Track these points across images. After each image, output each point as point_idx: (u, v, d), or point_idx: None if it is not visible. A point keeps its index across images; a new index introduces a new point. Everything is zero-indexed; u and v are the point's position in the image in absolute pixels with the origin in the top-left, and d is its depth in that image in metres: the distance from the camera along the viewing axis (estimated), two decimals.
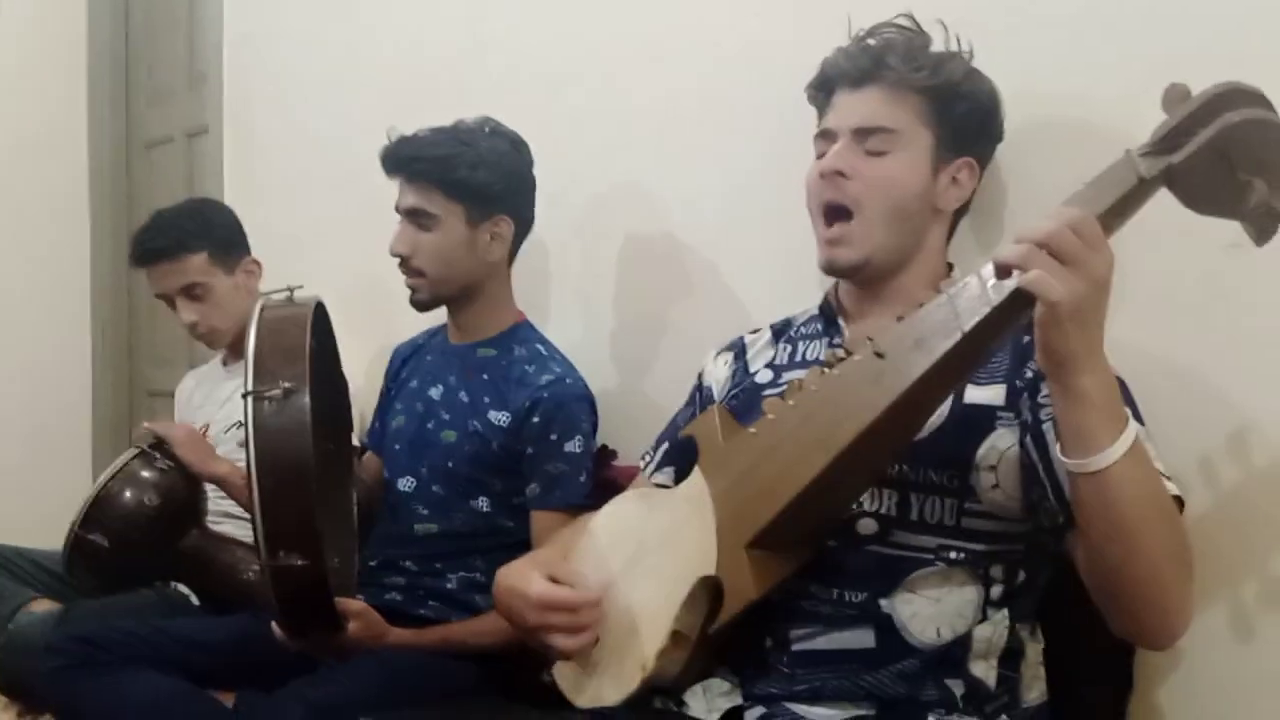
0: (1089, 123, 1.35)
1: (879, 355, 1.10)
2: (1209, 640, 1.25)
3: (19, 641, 1.91)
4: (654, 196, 1.95)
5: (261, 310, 1.55)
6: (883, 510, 1.22)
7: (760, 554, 1.16)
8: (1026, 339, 1.19)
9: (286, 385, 1.43)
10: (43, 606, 2.10)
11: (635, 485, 1.52)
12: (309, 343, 1.50)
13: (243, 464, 1.45)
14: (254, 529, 1.41)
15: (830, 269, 1.35)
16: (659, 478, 1.48)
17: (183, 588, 2.11)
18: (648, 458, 1.53)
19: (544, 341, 1.89)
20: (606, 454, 1.87)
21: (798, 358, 1.40)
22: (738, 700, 1.25)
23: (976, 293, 1.02)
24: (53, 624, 1.90)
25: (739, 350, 1.48)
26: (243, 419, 1.43)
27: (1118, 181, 0.98)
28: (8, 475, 3.45)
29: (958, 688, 1.20)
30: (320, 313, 1.67)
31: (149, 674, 1.65)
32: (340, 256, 2.52)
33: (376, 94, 2.49)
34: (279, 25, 2.86)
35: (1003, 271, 0.99)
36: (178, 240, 2.24)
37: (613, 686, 1.26)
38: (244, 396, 1.44)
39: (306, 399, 1.43)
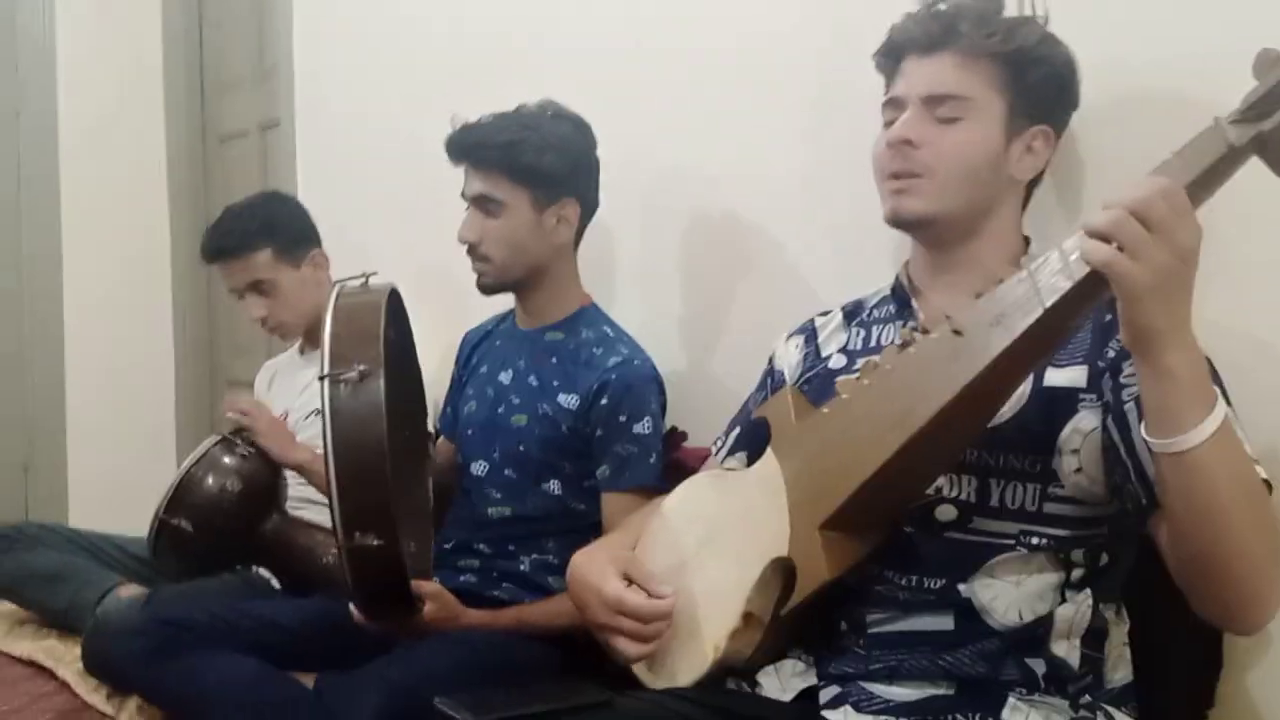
0: (1173, 92, 1.31)
1: (957, 333, 1.08)
2: None
3: (107, 625, 1.94)
4: (717, 176, 1.94)
5: (338, 296, 1.57)
6: (962, 496, 1.20)
7: (834, 535, 1.16)
8: (1109, 317, 1.17)
9: (362, 368, 1.45)
10: (129, 591, 2.14)
11: (706, 469, 1.52)
12: (383, 327, 1.51)
13: (321, 449, 1.47)
14: (330, 510, 1.43)
15: (896, 218, 1.31)
16: (731, 462, 1.48)
17: (264, 571, 2.14)
18: (719, 442, 1.52)
19: (611, 324, 1.89)
20: (676, 436, 1.87)
21: (872, 343, 1.37)
22: (812, 680, 1.24)
23: (1057, 267, 1.00)
24: (139, 607, 1.94)
25: (810, 333, 1.46)
26: (320, 403, 1.45)
27: (1206, 150, 0.95)
28: (96, 464, 3.55)
29: (1039, 667, 1.18)
30: (395, 300, 1.68)
31: (231, 656, 1.67)
32: (410, 245, 2.55)
33: (442, 80, 2.50)
34: (347, 15, 2.89)
35: (1095, 234, 0.96)
36: (241, 238, 2.27)
37: (685, 667, 1.26)
38: (320, 380, 1.46)
39: (381, 381, 1.45)
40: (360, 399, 1.44)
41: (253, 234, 2.28)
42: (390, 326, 1.63)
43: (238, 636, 1.71)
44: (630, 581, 1.30)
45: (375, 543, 1.42)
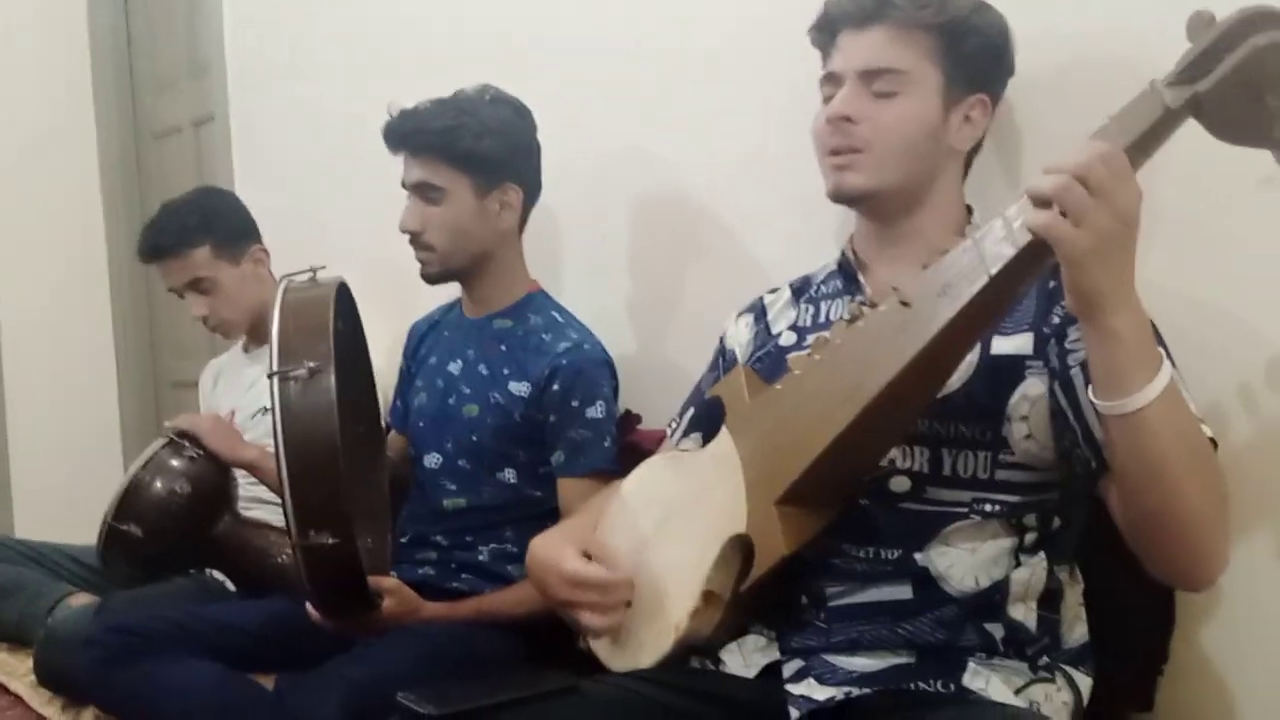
0: (1109, 58, 1.32)
1: (905, 304, 1.09)
2: (1250, 576, 1.24)
3: (58, 636, 1.92)
4: (663, 158, 1.93)
5: (285, 291, 1.55)
6: (915, 467, 1.21)
7: (790, 510, 1.16)
8: (1053, 284, 1.18)
9: (311, 365, 1.43)
10: (80, 600, 2.11)
11: (663, 451, 1.51)
12: (333, 322, 1.49)
13: (271, 447, 1.45)
14: (284, 509, 1.42)
15: (838, 194, 1.31)
16: (686, 444, 1.47)
17: (218, 574, 2.12)
18: (673, 424, 1.52)
19: (560, 309, 1.88)
20: (631, 419, 1.86)
21: (821, 318, 1.38)
22: (775, 655, 1.25)
23: (1001, 235, 1.01)
24: (90, 617, 1.91)
25: (759, 311, 1.46)
26: (269, 401, 1.43)
27: (1143, 114, 0.96)
28: (39, 473, 3.48)
29: (997, 631, 1.19)
30: (344, 293, 1.66)
31: (188, 661, 1.65)
32: (353, 237, 2.52)
33: (380, 70, 2.48)
34: (278, 8, 2.84)
35: (1038, 203, 0.96)
36: (179, 236, 2.24)
37: (648, 648, 1.26)
38: (269, 377, 1.44)
39: (332, 378, 1.43)
40: (310, 396, 1.43)
41: (190, 231, 2.24)
42: (339, 320, 1.62)
43: (193, 641, 1.69)
44: (589, 558, 1.30)
45: (330, 541, 1.40)
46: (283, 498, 1.41)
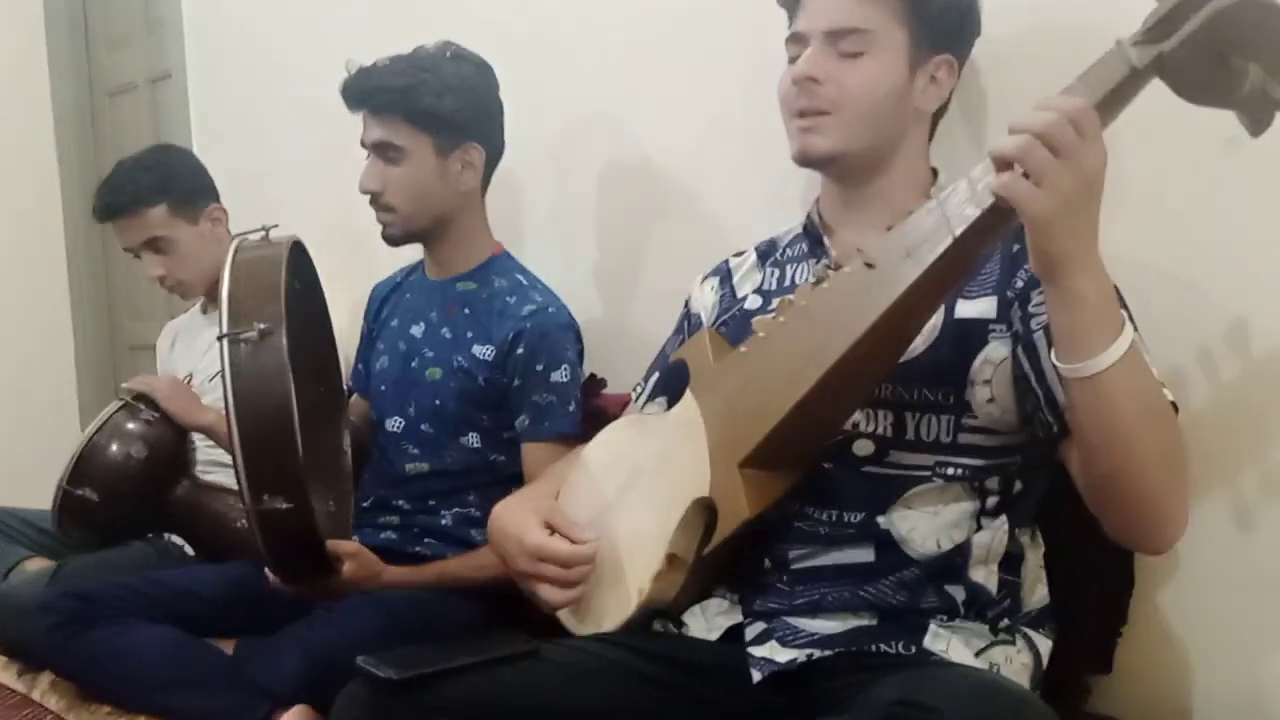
0: (1075, 19, 1.31)
1: (869, 266, 1.08)
2: (1208, 539, 1.25)
3: (13, 601, 1.89)
4: (628, 119, 1.91)
5: (236, 250, 1.51)
6: (878, 431, 1.21)
7: (754, 473, 1.15)
8: (1017, 247, 1.18)
9: (262, 326, 1.41)
10: (36, 565, 2.09)
11: (627, 415, 1.51)
12: (284, 281, 1.46)
13: None
14: (236, 474, 1.40)
15: (803, 157, 1.31)
16: (651, 408, 1.47)
17: (176, 539, 2.10)
18: (638, 389, 1.52)
19: (524, 271, 1.86)
20: (595, 383, 1.85)
21: (786, 282, 1.37)
22: (737, 618, 1.25)
23: (965, 196, 1.00)
24: (45, 582, 1.88)
25: (724, 275, 1.45)
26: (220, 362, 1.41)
27: (1109, 73, 0.95)
28: None
29: (958, 594, 1.19)
30: (299, 252, 1.63)
31: (145, 626, 1.63)
32: (313, 197, 2.48)
33: (340, 27, 2.43)
34: None
35: (1001, 164, 0.96)
36: (134, 194, 2.20)
37: (611, 612, 1.26)
38: (219, 340, 1.41)
39: (284, 339, 1.41)
40: (262, 358, 1.40)
41: (146, 189, 2.20)
42: (295, 279, 1.59)
43: (151, 606, 1.68)
44: (552, 530, 1.30)
45: (284, 505, 1.39)
46: (235, 462, 1.39)
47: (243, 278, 1.47)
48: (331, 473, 1.80)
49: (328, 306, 1.84)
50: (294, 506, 1.39)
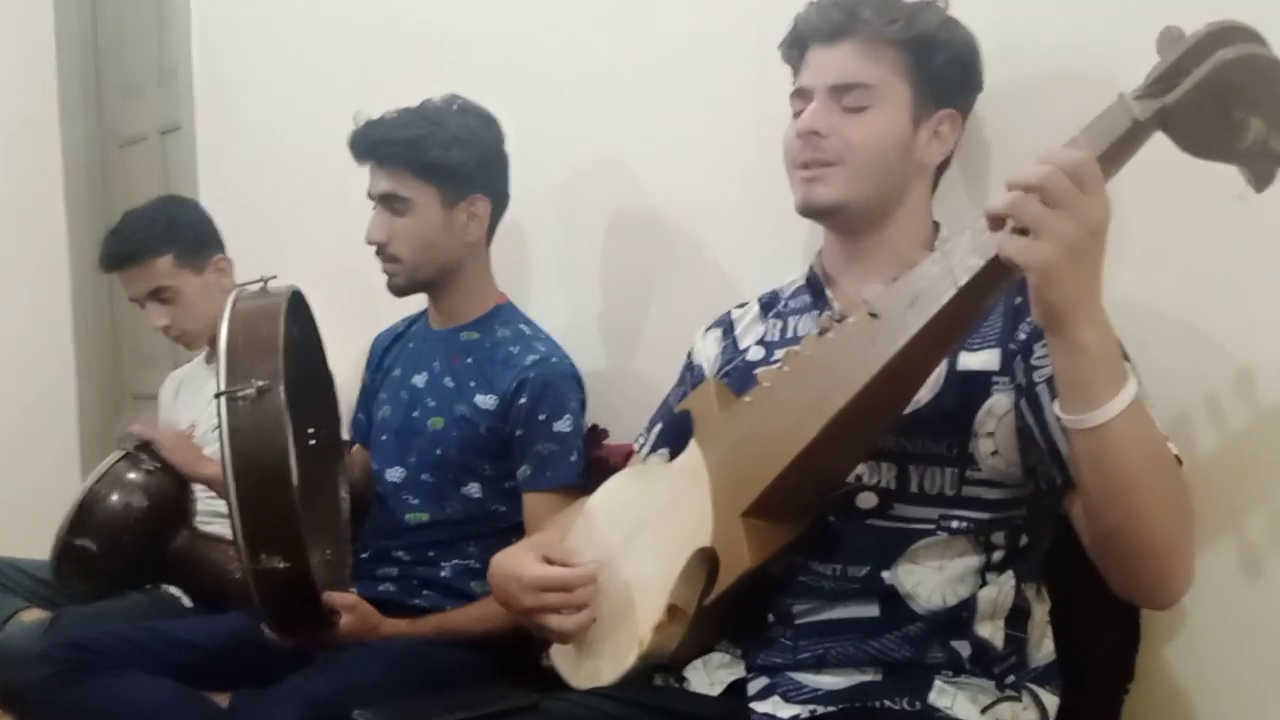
0: (1077, 74, 1.32)
1: (874, 316, 1.08)
2: (1214, 591, 1.23)
3: (10, 652, 1.88)
4: (633, 170, 1.92)
5: (234, 303, 1.52)
6: (882, 483, 1.20)
7: (757, 523, 1.15)
8: (1019, 300, 1.18)
9: (260, 384, 1.41)
10: (33, 616, 2.07)
11: (630, 467, 1.50)
12: (283, 335, 1.47)
13: None
14: (234, 533, 1.39)
15: (807, 207, 1.31)
16: (653, 460, 1.46)
17: (174, 589, 2.09)
18: (641, 440, 1.51)
19: (527, 321, 1.86)
20: (598, 433, 1.85)
21: (789, 334, 1.37)
22: (740, 673, 1.23)
23: (970, 246, 1.00)
24: (42, 633, 1.87)
25: (727, 326, 1.46)
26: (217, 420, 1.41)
27: (1112, 126, 0.96)
28: None
29: (964, 649, 1.18)
30: (297, 301, 1.64)
31: (141, 677, 1.62)
32: (320, 247, 2.49)
33: (349, 79, 2.46)
34: (247, 16, 2.82)
35: (993, 222, 0.96)
36: (142, 244, 2.22)
37: (609, 664, 1.25)
38: (217, 398, 1.41)
39: (282, 396, 1.41)
40: (259, 416, 1.40)
41: (153, 240, 2.22)
42: (293, 327, 1.59)
43: (147, 658, 1.66)
44: (552, 563, 1.29)
45: (281, 565, 1.39)
46: (232, 521, 1.39)
47: (240, 332, 1.47)
48: (329, 520, 1.81)
49: (325, 352, 1.85)
50: (292, 565, 1.39)
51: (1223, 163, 0.98)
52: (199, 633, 1.77)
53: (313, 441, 1.81)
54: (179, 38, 3.05)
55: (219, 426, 1.41)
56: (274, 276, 1.60)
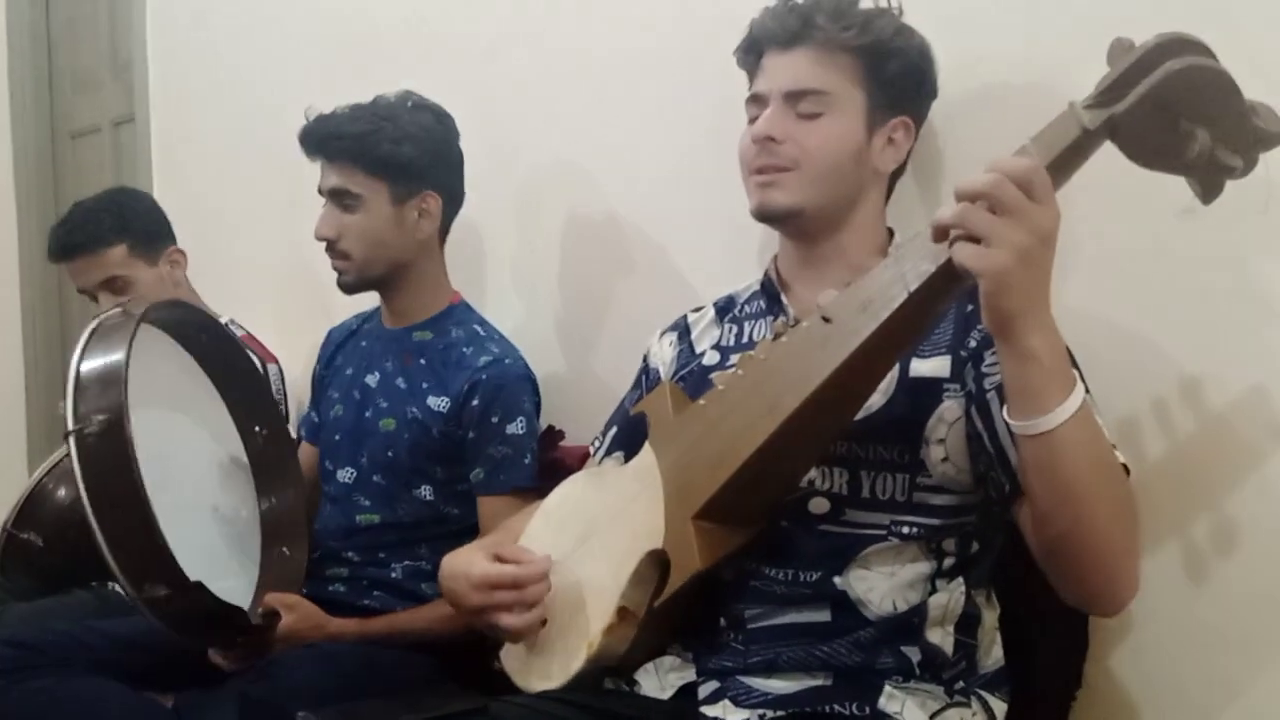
0: (1029, 83, 1.33)
1: (826, 320, 1.08)
2: (1161, 598, 1.25)
3: None
4: (591, 171, 1.92)
5: (91, 333, 1.50)
6: (834, 489, 1.20)
7: (708, 526, 1.14)
8: (970, 307, 1.19)
9: (102, 418, 1.38)
10: None
11: (585, 470, 1.49)
12: (126, 365, 1.44)
13: None
14: (110, 569, 1.38)
15: (762, 211, 1.32)
16: (608, 463, 1.46)
17: (119, 588, 2.04)
18: (597, 443, 1.51)
19: (482, 322, 1.85)
20: (554, 435, 1.84)
21: (744, 338, 1.37)
22: (690, 676, 1.23)
23: (922, 252, 1.01)
24: None
25: (683, 330, 1.45)
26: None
27: (1061, 135, 0.97)
28: None
29: (914, 655, 1.18)
30: (188, 313, 1.64)
31: (85, 677, 1.58)
32: (273, 243, 2.47)
33: (304, 74, 2.44)
34: (201, 9, 2.79)
35: (938, 234, 0.97)
36: (95, 233, 2.19)
37: (559, 666, 1.24)
38: (65, 437, 1.40)
39: (127, 428, 1.38)
40: (106, 450, 1.38)
41: (106, 229, 2.19)
42: (201, 335, 1.56)
43: (91, 657, 1.63)
44: (502, 561, 1.27)
45: (164, 592, 1.37)
46: (105, 558, 1.38)
47: (87, 366, 1.45)
48: (288, 514, 1.78)
49: (243, 349, 1.82)
50: (172, 593, 1.38)
51: (1171, 173, 0.99)
52: (143, 633, 1.72)
53: (261, 439, 1.80)
54: (133, 29, 3.01)
55: (71, 466, 1.39)
56: (128, 299, 1.55)
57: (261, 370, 2.08)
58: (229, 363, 1.78)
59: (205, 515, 1.68)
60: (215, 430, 1.79)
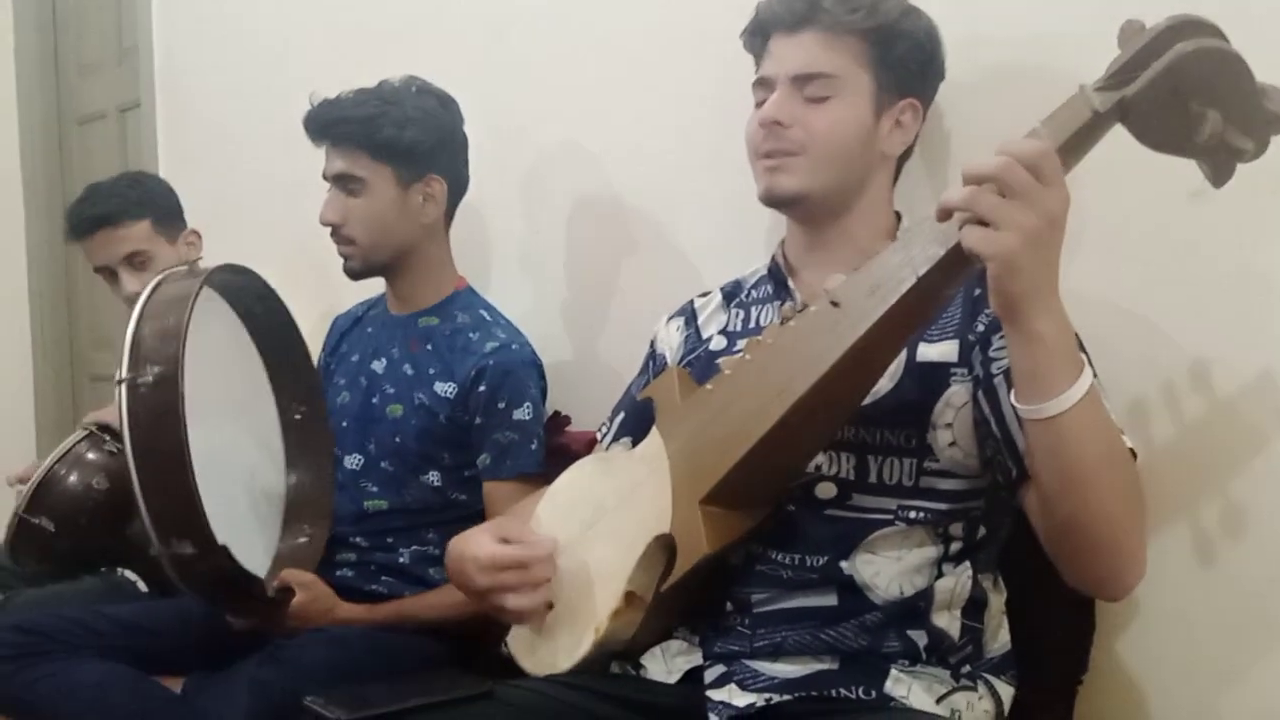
0: (1039, 65, 1.33)
1: (834, 304, 1.08)
2: (1167, 582, 1.25)
3: None
4: (596, 156, 1.91)
5: (155, 287, 1.51)
6: (841, 473, 1.20)
7: (714, 510, 1.14)
8: (978, 291, 1.18)
9: (157, 370, 1.38)
10: None
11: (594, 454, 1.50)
12: (187, 321, 1.44)
13: None
14: (143, 519, 1.38)
15: (770, 196, 1.31)
16: (616, 449, 1.46)
17: (129, 573, 2.06)
18: (604, 428, 1.51)
19: (487, 307, 1.85)
20: (560, 420, 1.84)
21: (751, 323, 1.37)
22: (697, 660, 1.23)
23: (930, 236, 1.00)
24: None
25: (690, 315, 1.45)
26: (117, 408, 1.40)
27: (1072, 117, 0.96)
28: None
29: (920, 639, 1.18)
30: (253, 282, 1.62)
31: (94, 662, 1.60)
32: (278, 228, 2.47)
33: (309, 59, 2.44)
34: None
35: (942, 215, 0.97)
36: (120, 207, 2.19)
37: (566, 650, 1.24)
38: (117, 384, 1.40)
39: (180, 383, 1.38)
40: (156, 404, 1.38)
41: (131, 204, 2.20)
42: (256, 305, 1.57)
43: (100, 642, 1.64)
44: (508, 542, 1.28)
45: (190, 551, 1.37)
46: (139, 507, 1.38)
47: (148, 318, 1.46)
48: (315, 497, 1.78)
49: (298, 329, 1.82)
50: (198, 552, 1.38)
51: (1182, 156, 0.99)
52: (152, 617, 1.74)
53: (298, 418, 1.79)
54: (139, 13, 3.01)
55: (119, 413, 1.39)
56: (200, 258, 1.55)
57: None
58: (280, 336, 1.78)
59: (232, 483, 1.68)
60: (256, 402, 1.79)
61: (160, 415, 1.38)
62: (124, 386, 1.39)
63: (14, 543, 1.85)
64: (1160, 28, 0.95)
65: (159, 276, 1.54)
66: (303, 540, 1.73)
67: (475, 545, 1.28)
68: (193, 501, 1.37)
